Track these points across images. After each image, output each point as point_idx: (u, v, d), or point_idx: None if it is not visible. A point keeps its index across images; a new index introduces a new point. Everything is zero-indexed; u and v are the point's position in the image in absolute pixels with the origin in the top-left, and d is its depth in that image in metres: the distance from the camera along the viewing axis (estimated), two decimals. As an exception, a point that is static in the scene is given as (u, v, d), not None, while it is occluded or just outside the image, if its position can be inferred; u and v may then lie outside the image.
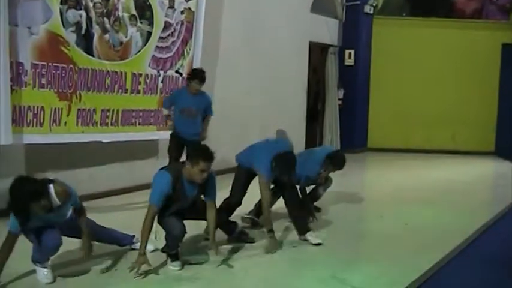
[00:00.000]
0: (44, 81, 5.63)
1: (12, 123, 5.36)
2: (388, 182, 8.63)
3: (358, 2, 11.62)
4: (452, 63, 12.06)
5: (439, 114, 12.13)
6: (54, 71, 5.71)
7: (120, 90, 6.51)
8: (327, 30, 11.46)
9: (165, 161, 7.52)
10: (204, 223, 4.61)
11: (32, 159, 5.88)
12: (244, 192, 5.08)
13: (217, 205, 4.47)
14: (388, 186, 8.17)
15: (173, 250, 4.22)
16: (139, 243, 4.10)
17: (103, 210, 5.66)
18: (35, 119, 5.60)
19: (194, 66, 7.53)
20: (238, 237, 4.87)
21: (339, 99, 11.75)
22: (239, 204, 5.06)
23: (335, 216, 6.04)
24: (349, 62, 11.87)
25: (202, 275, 4.08)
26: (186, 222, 4.22)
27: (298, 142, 10.78)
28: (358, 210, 6.68)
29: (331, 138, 11.57)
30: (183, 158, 4.74)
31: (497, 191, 8.87)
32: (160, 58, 7.05)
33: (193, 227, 4.61)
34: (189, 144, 5.91)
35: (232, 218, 5.01)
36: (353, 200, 7.00)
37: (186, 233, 4.13)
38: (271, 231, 4.76)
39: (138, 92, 6.78)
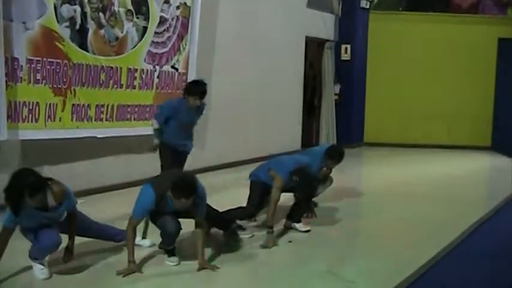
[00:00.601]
0: (39, 76, 5.61)
1: (8, 119, 5.35)
2: (385, 176, 8.64)
3: (355, -3, 11.63)
4: (449, 57, 12.06)
5: (436, 109, 12.14)
6: (49, 67, 5.69)
7: (115, 86, 6.49)
8: (323, 25, 11.44)
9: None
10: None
11: (28, 153, 5.86)
12: (261, 205, 5.04)
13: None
14: (384, 181, 8.18)
15: (169, 246, 4.22)
16: (136, 239, 4.15)
17: (98, 205, 5.65)
18: (30, 115, 5.59)
19: (190, 62, 7.53)
20: (233, 233, 4.87)
21: (336, 94, 11.76)
22: (253, 215, 5.07)
23: (331, 210, 6.04)
24: (345, 56, 11.86)
25: (200, 273, 4.07)
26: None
27: (294, 137, 10.80)
28: (354, 205, 6.67)
29: (328, 133, 11.57)
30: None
31: (493, 185, 8.90)
32: (156, 53, 7.03)
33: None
34: (181, 154, 5.74)
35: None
36: (349, 194, 7.00)
37: (181, 229, 4.12)
38: (271, 227, 4.78)
39: (134, 87, 6.76)
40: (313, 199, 6.04)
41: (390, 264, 4.37)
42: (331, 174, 5.80)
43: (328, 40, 11.55)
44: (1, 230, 3.70)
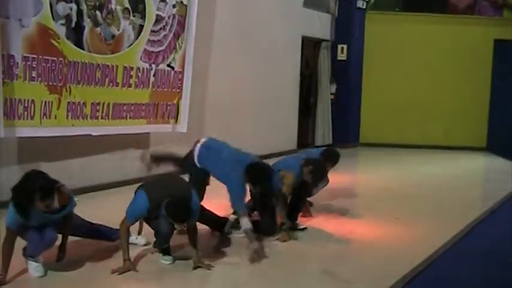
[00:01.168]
0: (34, 74, 5.58)
1: (4, 116, 5.33)
2: (380, 176, 8.65)
3: (351, -3, 11.63)
4: (445, 58, 12.08)
5: (432, 110, 12.17)
6: (44, 64, 5.67)
7: (111, 84, 6.48)
8: (320, 25, 11.44)
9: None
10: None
11: (25, 150, 5.85)
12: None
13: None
14: (379, 181, 8.19)
15: (163, 245, 4.24)
16: (131, 237, 4.19)
17: (94, 203, 5.64)
18: (25, 112, 5.57)
19: (187, 60, 7.49)
20: (228, 232, 4.88)
21: (332, 94, 11.76)
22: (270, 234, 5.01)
23: (326, 210, 6.05)
24: (341, 56, 11.87)
25: (194, 272, 4.07)
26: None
27: (290, 137, 10.80)
28: (349, 205, 6.67)
29: (324, 133, 11.58)
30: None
31: (488, 186, 8.91)
32: (152, 52, 7.01)
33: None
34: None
35: (225, 212, 5.01)
36: (344, 194, 7.00)
37: (175, 229, 4.11)
38: (284, 224, 4.88)
39: (130, 85, 6.74)
40: (309, 199, 6.05)
41: (386, 263, 4.37)
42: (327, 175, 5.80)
43: (324, 40, 11.56)
44: (7, 232, 3.70)
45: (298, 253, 4.64)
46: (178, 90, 7.46)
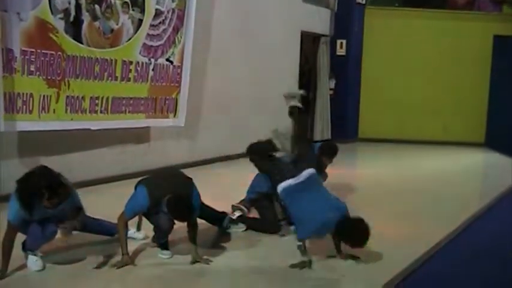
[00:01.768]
0: (32, 68, 5.58)
1: (3, 110, 5.32)
2: (378, 172, 8.65)
3: (351, -8, 11.61)
4: (444, 54, 12.07)
5: (431, 105, 12.16)
6: (42, 58, 5.66)
7: (110, 78, 6.47)
8: (319, 20, 11.42)
9: (157, 148, 7.55)
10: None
11: (25, 144, 5.85)
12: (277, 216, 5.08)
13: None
14: (378, 176, 8.19)
15: (162, 240, 4.24)
16: (130, 231, 4.21)
17: (93, 198, 5.63)
18: (24, 106, 5.56)
19: (185, 55, 7.49)
20: (227, 227, 4.89)
21: (331, 89, 11.76)
22: (279, 229, 4.99)
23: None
24: (341, 52, 11.86)
25: (193, 266, 4.07)
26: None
27: (289, 132, 10.77)
28: (347, 200, 6.63)
29: (322, 128, 11.58)
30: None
31: (486, 182, 8.92)
32: (151, 46, 7.00)
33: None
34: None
35: (223, 207, 5.02)
36: (343, 189, 6.99)
37: (174, 224, 4.12)
38: (284, 219, 4.94)
39: (129, 79, 6.74)
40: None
41: (382, 259, 4.38)
42: (325, 170, 5.80)
43: (323, 35, 11.54)
44: (9, 227, 3.70)
45: (295, 247, 4.65)
46: (177, 85, 7.46)
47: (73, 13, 5.93)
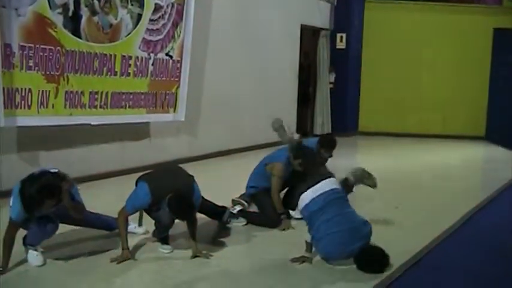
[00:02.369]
0: (31, 63, 5.56)
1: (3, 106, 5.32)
2: (379, 165, 8.58)
3: (351, -15, 11.59)
4: (444, 47, 12.05)
5: (431, 99, 12.16)
6: (41, 53, 5.64)
7: (109, 73, 6.46)
8: (319, 14, 11.40)
9: (157, 143, 7.55)
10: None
11: (24, 140, 5.84)
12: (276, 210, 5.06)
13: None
14: (378, 170, 8.10)
15: (162, 235, 4.26)
16: (130, 226, 4.20)
17: (93, 193, 5.62)
18: (22, 101, 5.55)
19: (185, 50, 7.48)
20: (227, 221, 4.89)
21: (331, 83, 11.75)
22: (279, 223, 4.98)
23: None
24: (340, 45, 11.84)
25: (193, 261, 4.08)
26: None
27: (289, 126, 10.75)
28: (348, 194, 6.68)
29: (322, 122, 11.57)
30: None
31: (486, 175, 8.92)
32: (151, 41, 6.99)
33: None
34: None
35: (224, 201, 5.02)
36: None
37: (175, 219, 4.12)
38: (283, 213, 4.99)
39: (128, 74, 6.72)
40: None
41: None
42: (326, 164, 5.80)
43: (323, 29, 11.51)
44: (11, 225, 3.70)
45: (294, 242, 4.64)
46: (176, 79, 7.44)
47: (72, 8, 5.91)
